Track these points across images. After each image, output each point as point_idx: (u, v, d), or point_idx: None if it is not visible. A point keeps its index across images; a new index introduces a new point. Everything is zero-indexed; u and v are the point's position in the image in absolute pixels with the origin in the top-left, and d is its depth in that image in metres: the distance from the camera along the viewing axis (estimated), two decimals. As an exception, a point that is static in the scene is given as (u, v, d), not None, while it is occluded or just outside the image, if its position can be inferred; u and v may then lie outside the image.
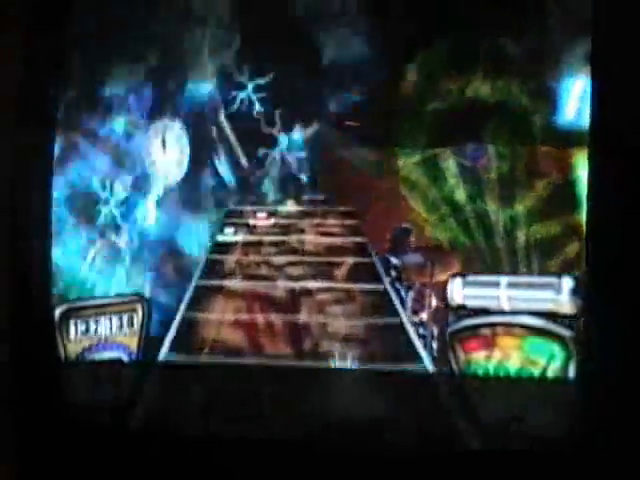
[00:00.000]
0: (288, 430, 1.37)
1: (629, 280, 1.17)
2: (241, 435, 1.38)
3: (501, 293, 1.31)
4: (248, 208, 1.54)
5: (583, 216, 1.25)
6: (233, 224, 1.54)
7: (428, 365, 1.35)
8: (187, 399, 1.44)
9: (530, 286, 1.29)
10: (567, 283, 1.26)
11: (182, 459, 1.40)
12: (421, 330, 1.37)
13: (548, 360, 1.26)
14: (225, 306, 1.48)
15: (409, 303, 1.39)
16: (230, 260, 1.52)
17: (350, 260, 1.45)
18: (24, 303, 1.45)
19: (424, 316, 1.38)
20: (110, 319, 1.50)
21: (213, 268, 1.52)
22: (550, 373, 1.26)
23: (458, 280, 1.34)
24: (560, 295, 1.26)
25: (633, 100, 1.20)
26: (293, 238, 1.50)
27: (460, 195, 1.36)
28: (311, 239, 1.49)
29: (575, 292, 1.25)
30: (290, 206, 1.52)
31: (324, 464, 1.33)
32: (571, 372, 1.25)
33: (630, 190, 1.19)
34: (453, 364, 1.33)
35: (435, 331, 1.36)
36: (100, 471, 1.41)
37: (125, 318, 1.50)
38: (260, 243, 1.52)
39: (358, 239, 1.47)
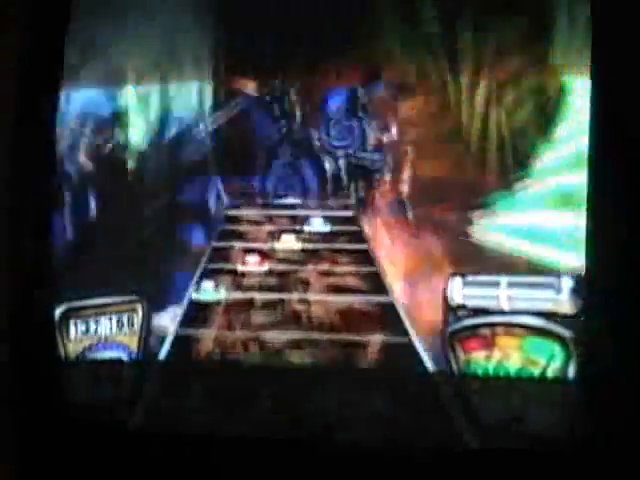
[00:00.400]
0: (288, 429, 1.37)
1: (629, 280, 1.17)
2: (241, 434, 1.38)
3: (501, 293, 1.30)
4: (236, 245, 1.45)
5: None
6: (214, 273, 1.43)
7: (428, 365, 1.35)
8: (187, 398, 1.43)
9: (530, 286, 1.29)
10: (567, 282, 1.26)
11: (182, 458, 1.39)
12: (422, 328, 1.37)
13: (548, 360, 1.26)
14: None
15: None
16: (207, 338, 1.41)
17: (378, 338, 1.37)
18: (24, 303, 1.45)
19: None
20: (110, 319, 1.50)
21: (182, 356, 1.41)
22: (550, 373, 1.26)
23: (458, 280, 1.34)
24: (560, 295, 1.26)
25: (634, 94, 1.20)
26: (294, 297, 1.40)
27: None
28: (318, 299, 1.37)
29: (575, 292, 1.25)
30: (287, 242, 1.43)
31: (324, 464, 1.33)
32: (571, 372, 1.24)
33: (631, 188, 1.19)
34: (453, 364, 1.33)
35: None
36: (100, 470, 1.41)
37: (125, 318, 1.50)
38: (250, 304, 1.41)
39: (382, 299, 1.39)
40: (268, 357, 1.41)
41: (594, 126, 1.23)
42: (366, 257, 1.41)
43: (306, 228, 1.45)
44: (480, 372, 1.31)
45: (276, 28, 1.42)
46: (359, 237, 1.43)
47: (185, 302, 1.46)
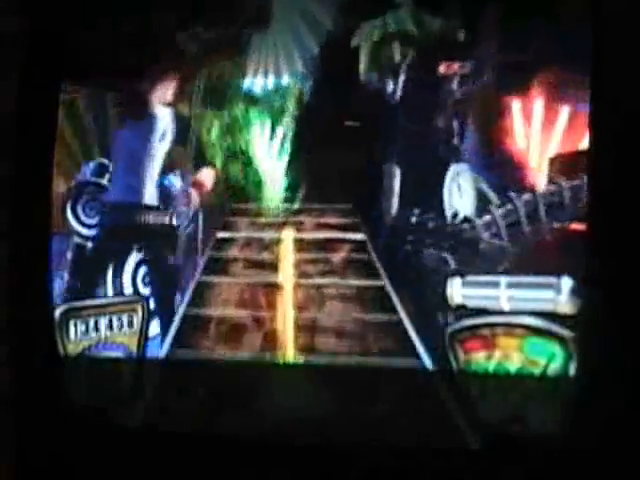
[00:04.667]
0: (286, 429, 1.37)
1: (629, 280, 1.18)
2: (240, 434, 1.38)
3: (501, 293, 1.30)
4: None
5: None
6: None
7: (428, 364, 1.35)
8: (186, 397, 1.43)
9: (530, 286, 1.29)
10: (567, 283, 1.26)
11: (181, 457, 1.40)
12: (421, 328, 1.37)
13: (548, 360, 1.26)
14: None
15: None
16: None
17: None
18: (24, 303, 1.45)
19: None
20: (110, 319, 1.50)
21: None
22: (550, 373, 1.26)
23: (457, 280, 1.34)
24: (560, 295, 1.26)
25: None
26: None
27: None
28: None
29: (575, 292, 1.25)
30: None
31: (323, 463, 1.33)
32: (571, 372, 1.24)
33: (630, 189, 1.19)
34: (453, 364, 1.33)
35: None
36: (100, 469, 1.41)
37: (125, 318, 1.50)
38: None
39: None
40: (267, 353, 1.42)
41: (594, 124, 1.24)
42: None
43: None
44: (480, 372, 1.31)
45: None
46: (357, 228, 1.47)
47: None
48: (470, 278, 1.33)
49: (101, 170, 1.56)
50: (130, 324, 1.50)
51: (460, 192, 1.34)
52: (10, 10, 1.43)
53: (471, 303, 1.32)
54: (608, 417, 1.18)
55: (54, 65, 1.48)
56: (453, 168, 1.35)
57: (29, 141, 1.46)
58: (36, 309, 1.46)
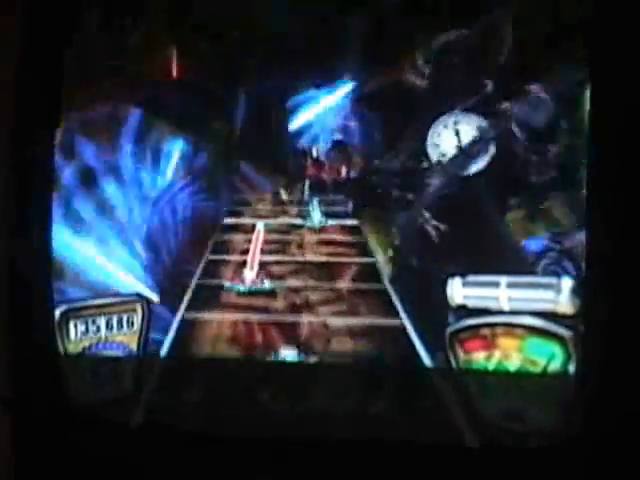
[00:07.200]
0: (286, 427, 1.38)
1: (629, 280, 1.18)
2: (240, 433, 1.39)
3: (501, 293, 1.31)
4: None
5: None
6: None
7: (427, 362, 1.35)
8: (186, 396, 1.44)
9: (530, 286, 1.29)
10: (567, 283, 1.26)
11: (180, 456, 1.40)
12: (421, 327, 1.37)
13: (548, 360, 1.26)
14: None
15: None
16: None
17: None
18: (24, 303, 1.44)
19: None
20: (110, 319, 1.50)
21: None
22: (550, 373, 1.26)
23: (458, 280, 1.34)
24: (560, 295, 1.26)
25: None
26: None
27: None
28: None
29: (575, 292, 1.25)
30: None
31: (322, 463, 1.33)
32: (571, 372, 1.25)
33: (630, 189, 1.20)
34: (453, 364, 1.33)
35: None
36: (100, 469, 1.41)
37: (125, 318, 1.50)
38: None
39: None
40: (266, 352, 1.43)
41: (594, 124, 1.24)
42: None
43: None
44: (480, 372, 1.31)
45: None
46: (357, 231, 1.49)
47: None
48: (470, 278, 1.34)
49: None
50: (130, 324, 1.50)
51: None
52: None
53: (471, 303, 1.33)
54: (607, 417, 1.18)
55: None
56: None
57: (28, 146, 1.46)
58: (36, 309, 1.46)
